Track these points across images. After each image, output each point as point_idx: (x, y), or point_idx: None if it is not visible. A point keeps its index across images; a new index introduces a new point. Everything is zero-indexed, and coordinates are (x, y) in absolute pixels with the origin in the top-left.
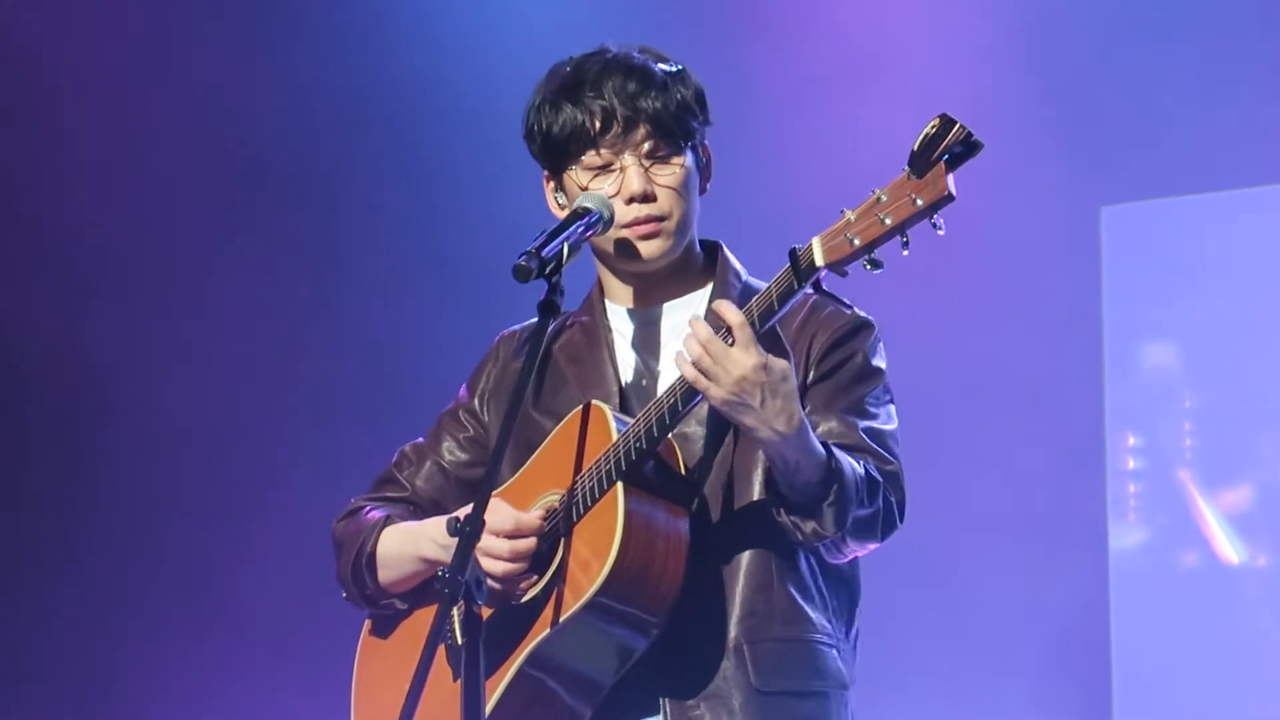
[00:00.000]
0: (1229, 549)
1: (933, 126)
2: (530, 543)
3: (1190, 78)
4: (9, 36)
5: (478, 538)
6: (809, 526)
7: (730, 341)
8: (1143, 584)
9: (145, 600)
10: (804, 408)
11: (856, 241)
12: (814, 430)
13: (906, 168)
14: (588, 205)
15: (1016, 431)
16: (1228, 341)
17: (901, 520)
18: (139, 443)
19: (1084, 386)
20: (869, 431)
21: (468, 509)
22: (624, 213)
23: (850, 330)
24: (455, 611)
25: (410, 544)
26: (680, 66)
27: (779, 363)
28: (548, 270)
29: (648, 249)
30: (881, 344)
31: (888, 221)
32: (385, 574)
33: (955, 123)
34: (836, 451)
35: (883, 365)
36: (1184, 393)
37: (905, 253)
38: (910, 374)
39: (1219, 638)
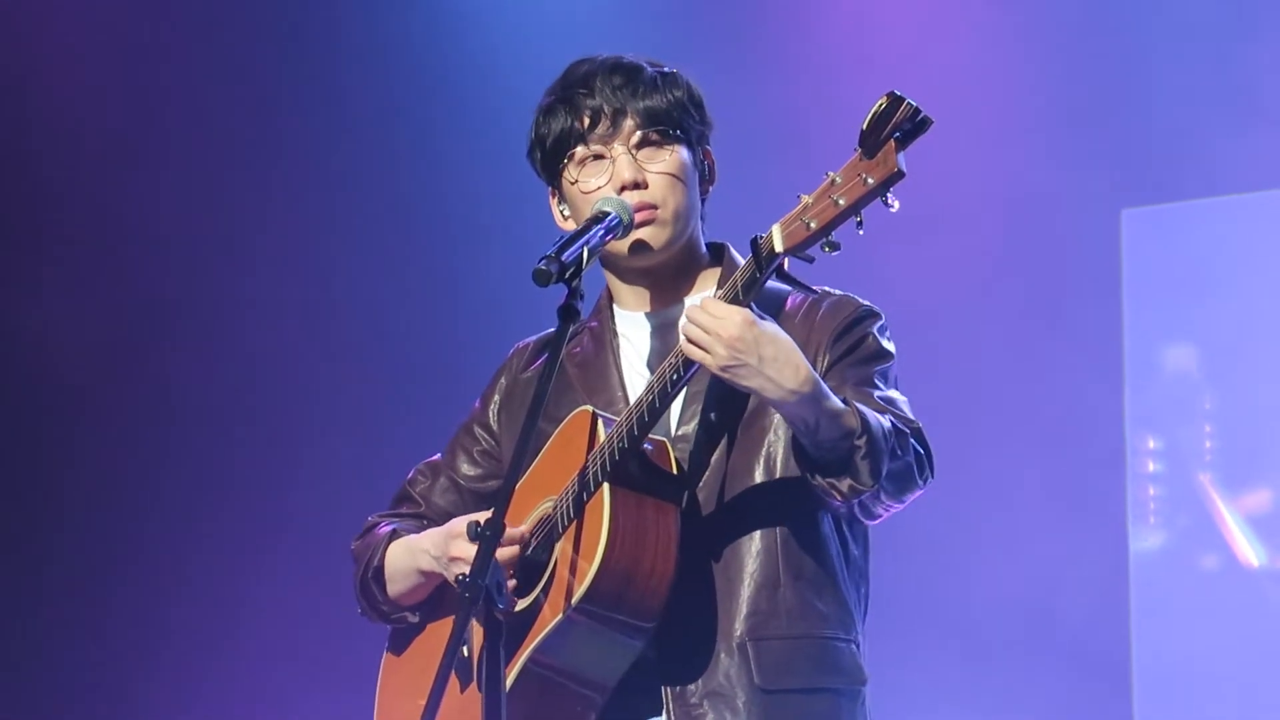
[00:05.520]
0: (1249, 551)
1: (881, 104)
2: (512, 551)
3: (1211, 80)
4: (35, 31)
5: (498, 541)
6: (845, 484)
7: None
8: (1163, 586)
9: (162, 605)
10: None
11: (813, 225)
12: None
13: (858, 148)
14: (606, 209)
15: (1036, 434)
16: (1248, 344)
17: (933, 472)
18: (155, 447)
19: (1104, 389)
20: (884, 399)
21: (488, 513)
22: None
23: (858, 317)
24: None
25: (410, 558)
26: (674, 70)
27: (768, 321)
28: (567, 275)
29: (644, 237)
30: (889, 330)
31: (841, 203)
32: (393, 588)
33: (903, 100)
34: (857, 404)
35: (892, 349)
36: (1204, 395)
37: (860, 232)
38: (930, 376)
39: (1239, 640)
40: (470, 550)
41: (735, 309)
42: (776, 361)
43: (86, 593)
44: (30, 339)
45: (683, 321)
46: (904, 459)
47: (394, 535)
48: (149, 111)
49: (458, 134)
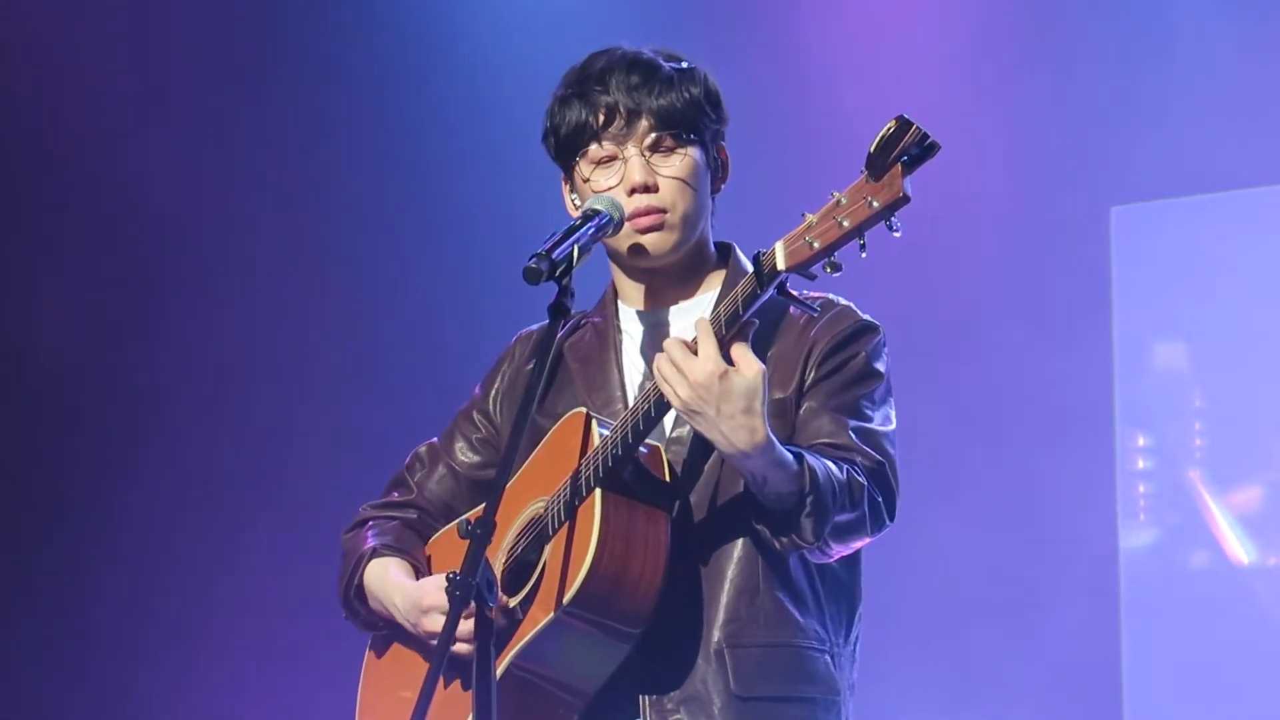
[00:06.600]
0: (1239, 549)
1: (889, 128)
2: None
3: (1200, 77)
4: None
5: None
6: (787, 538)
7: (695, 350)
8: (1153, 584)
9: (151, 598)
10: (799, 407)
11: (816, 244)
12: (804, 428)
13: (864, 170)
14: (598, 207)
15: (1027, 432)
16: (1238, 341)
17: (891, 518)
18: (143, 442)
19: (1094, 387)
20: (859, 431)
21: (478, 510)
22: (626, 204)
23: (854, 333)
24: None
25: (382, 591)
26: (692, 65)
27: (742, 376)
28: (558, 272)
29: (651, 243)
30: (886, 348)
31: (845, 224)
32: (373, 604)
33: (912, 124)
34: (810, 460)
35: (883, 369)
36: (1194, 393)
37: (863, 255)
38: (920, 375)
39: (1229, 638)
40: (440, 623)
41: (709, 356)
42: (733, 420)
43: (74, 587)
44: (17, 335)
45: (658, 356)
46: (855, 511)
47: (374, 553)
48: (143, 109)
49: (450, 129)
